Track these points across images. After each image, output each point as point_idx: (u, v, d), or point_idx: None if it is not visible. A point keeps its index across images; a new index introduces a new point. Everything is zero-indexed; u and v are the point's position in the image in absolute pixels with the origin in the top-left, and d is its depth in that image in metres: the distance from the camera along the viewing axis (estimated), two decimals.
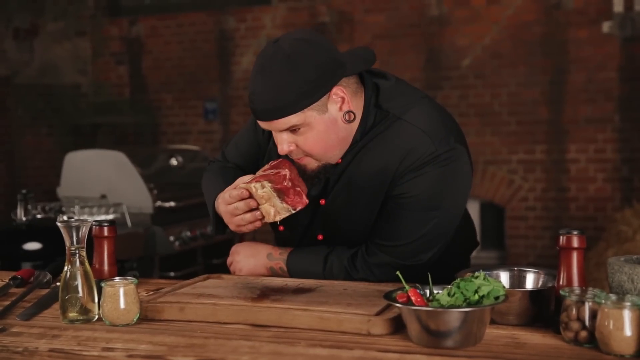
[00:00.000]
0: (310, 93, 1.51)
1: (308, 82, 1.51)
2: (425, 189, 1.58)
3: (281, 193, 1.46)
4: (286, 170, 1.52)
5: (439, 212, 1.60)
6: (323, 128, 1.56)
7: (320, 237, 1.73)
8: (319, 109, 1.54)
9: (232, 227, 1.64)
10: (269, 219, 1.49)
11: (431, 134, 1.58)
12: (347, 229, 1.69)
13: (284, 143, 1.57)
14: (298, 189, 1.48)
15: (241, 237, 3.79)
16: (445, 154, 1.57)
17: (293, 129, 1.55)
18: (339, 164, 1.66)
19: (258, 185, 1.47)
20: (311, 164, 1.61)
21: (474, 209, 5.60)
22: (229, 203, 1.59)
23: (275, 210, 1.48)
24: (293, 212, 1.49)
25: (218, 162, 1.92)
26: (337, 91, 1.56)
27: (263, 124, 1.58)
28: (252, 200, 1.55)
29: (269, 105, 1.52)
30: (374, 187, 1.63)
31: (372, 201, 1.64)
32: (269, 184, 1.49)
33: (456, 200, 1.64)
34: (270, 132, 1.79)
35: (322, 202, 1.69)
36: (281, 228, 1.79)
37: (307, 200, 1.48)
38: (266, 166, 1.59)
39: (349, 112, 1.59)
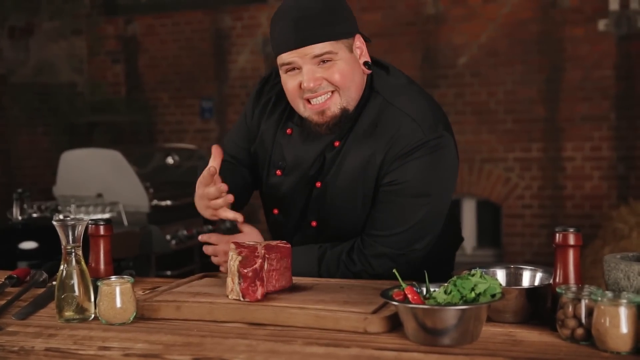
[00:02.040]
0: (344, 27, 1.60)
1: (343, 17, 1.60)
2: (414, 176, 1.59)
3: (241, 277, 1.41)
4: (259, 260, 1.43)
5: (430, 199, 1.62)
6: (351, 63, 1.61)
7: (314, 223, 1.74)
8: (348, 47, 1.61)
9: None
10: (227, 290, 1.44)
11: (420, 121, 1.61)
12: (341, 215, 1.69)
13: (312, 78, 1.58)
14: (256, 284, 1.40)
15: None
16: (434, 141, 1.59)
17: (323, 60, 1.58)
18: (335, 147, 1.66)
19: (234, 255, 1.42)
20: (335, 105, 1.62)
21: (470, 207, 5.61)
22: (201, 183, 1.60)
23: (233, 287, 1.42)
24: (241, 299, 1.41)
25: None
26: (357, 41, 1.64)
27: (292, 55, 1.58)
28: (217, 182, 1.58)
29: (308, 32, 1.55)
30: (365, 172, 1.64)
31: (364, 185, 1.65)
32: (238, 262, 1.42)
33: (445, 187, 1.65)
34: (259, 117, 1.80)
35: (318, 184, 1.70)
36: (275, 211, 1.80)
37: (259, 298, 1.40)
38: (272, 242, 1.52)
39: (366, 62, 1.65)
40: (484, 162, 5.40)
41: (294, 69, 1.60)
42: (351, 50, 1.62)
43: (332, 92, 1.61)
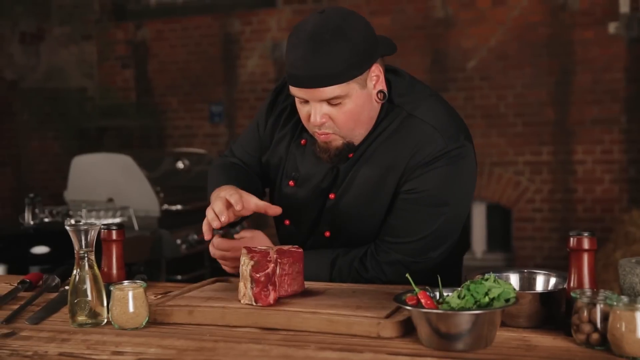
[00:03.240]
0: (358, 64, 1.53)
1: (358, 54, 1.52)
2: (434, 185, 1.58)
3: (253, 281, 1.41)
4: (272, 265, 1.43)
5: (448, 209, 1.61)
6: (360, 103, 1.57)
7: (327, 234, 1.72)
8: (361, 83, 1.56)
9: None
10: (239, 295, 1.44)
11: (441, 130, 1.59)
12: (354, 225, 1.68)
13: (319, 114, 1.56)
14: (268, 288, 1.40)
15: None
16: (455, 151, 1.59)
17: (332, 101, 1.55)
18: (350, 158, 1.66)
19: (246, 260, 1.43)
20: (336, 141, 1.61)
21: (480, 211, 5.59)
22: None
23: (245, 291, 1.42)
24: (254, 304, 1.39)
25: (225, 157, 1.93)
26: (374, 68, 1.59)
27: (302, 92, 1.56)
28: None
29: (319, 72, 1.51)
30: (383, 182, 1.63)
31: (381, 197, 1.64)
32: (250, 266, 1.41)
33: (464, 197, 1.64)
34: (273, 128, 1.79)
35: (332, 196, 1.69)
36: (287, 222, 1.79)
37: (271, 302, 1.40)
38: (284, 247, 1.52)
39: (381, 91, 1.61)
40: (494, 165, 5.39)
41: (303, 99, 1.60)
42: (365, 85, 1.57)
43: (334, 133, 1.59)
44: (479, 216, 5.61)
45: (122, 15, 6.37)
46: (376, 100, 1.62)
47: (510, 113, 5.35)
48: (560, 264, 4.74)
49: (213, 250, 1.72)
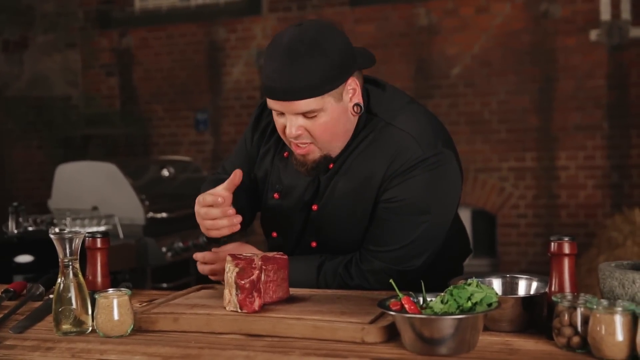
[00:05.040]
0: (334, 78, 1.54)
1: (334, 67, 1.53)
2: (414, 193, 1.59)
3: (238, 288, 1.41)
4: (256, 271, 1.43)
5: (429, 216, 1.61)
6: (336, 116, 1.58)
7: (313, 244, 1.74)
8: (336, 96, 1.57)
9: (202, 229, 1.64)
10: (224, 302, 1.44)
11: (418, 138, 1.60)
12: (339, 235, 1.69)
13: (294, 127, 1.56)
14: (253, 295, 1.41)
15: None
16: (433, 158, 1.59)
17: (307, 114, 1.55)
18: (330, 169, 1.67)
19: (231, 267, 1.43)
20: (314, 153, 1.62)
21: (465, 217, 5.61)
22: (203, 205, 1.59)
23: (230, 298, 1.42)
24: (239, 311, 1.39)
25: (217, 174, 1.94)
26: (351, 82, 1.59)
27: (277, 104, 1.57)
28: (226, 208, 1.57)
29: (294, 86, 1.51)
30: (364, 191, 1.64)
31: (363, 206, 1.65)
32: (235, 273, 1.42)
33: (446, 204, 1.65)
34: (258, 142, 1.80)
35: (314, 207, 1.70)
36: (274, 235, 1.81)
37: (256, 309, 1.40)
38: (269, 254, 1.52)
39: (357, 104, 1.61)
40: (479, 171, 5.42)
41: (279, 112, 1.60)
42: (340, 99, 1.58)
43: (312, 142, 1.60)
44: (463, 222, 5.62)
45: (106, 23, 6.35)
46: (352, 113, 1.62)
47: (494, 119, 5.39)
48: (545, 269, 4.76)
49: (202, 267, 1.71)
